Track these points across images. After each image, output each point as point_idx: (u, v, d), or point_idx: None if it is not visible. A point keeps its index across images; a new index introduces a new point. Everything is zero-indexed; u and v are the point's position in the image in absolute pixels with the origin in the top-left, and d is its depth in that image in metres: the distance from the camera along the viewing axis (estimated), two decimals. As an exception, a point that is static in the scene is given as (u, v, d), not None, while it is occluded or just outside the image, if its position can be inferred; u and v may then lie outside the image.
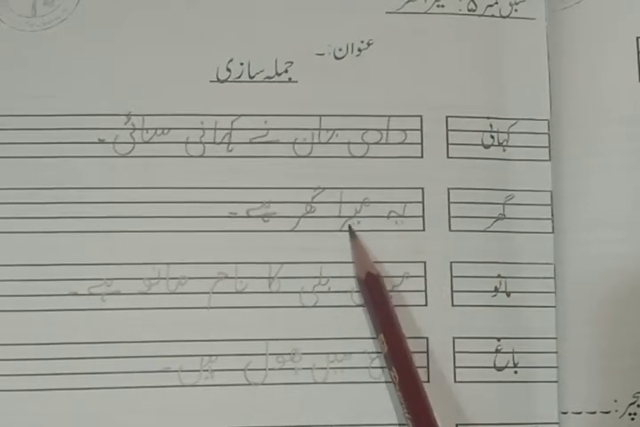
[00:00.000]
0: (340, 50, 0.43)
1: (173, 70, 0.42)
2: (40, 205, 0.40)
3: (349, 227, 0.41)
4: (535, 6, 0.43)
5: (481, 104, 0.42)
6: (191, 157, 0.41)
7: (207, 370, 0.40)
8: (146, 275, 0.40)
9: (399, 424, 0.40)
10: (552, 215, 0.41)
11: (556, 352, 0.40)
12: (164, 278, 0.40)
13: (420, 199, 0.41)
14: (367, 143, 0.42)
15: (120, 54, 0.42)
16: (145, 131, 0.41)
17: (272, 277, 0.41)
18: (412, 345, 0.40)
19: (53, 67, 0.42)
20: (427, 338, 0.40)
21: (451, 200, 0.41)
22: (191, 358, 0.40)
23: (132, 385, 0.39)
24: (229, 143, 0.42)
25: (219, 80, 0.42)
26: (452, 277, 0.41)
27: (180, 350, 0.40)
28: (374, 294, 0.40)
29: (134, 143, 0.41)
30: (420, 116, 0.42)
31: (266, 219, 0.41)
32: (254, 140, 0.42)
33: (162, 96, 0.42)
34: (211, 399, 0.40)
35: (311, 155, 0.42)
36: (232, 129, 0.42)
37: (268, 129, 0.42)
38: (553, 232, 0.41)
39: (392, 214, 0.41)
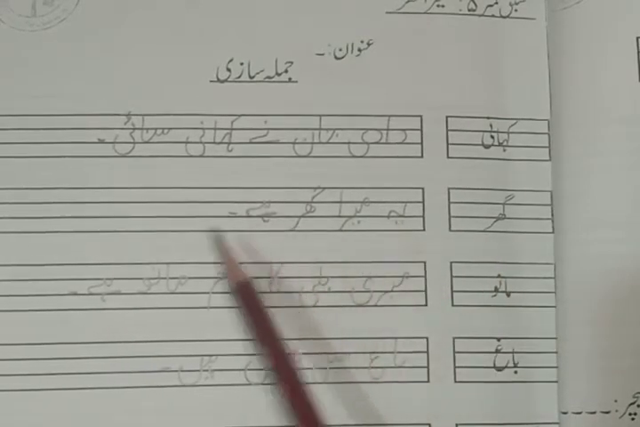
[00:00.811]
0: (340, 50, 0.43)
1: (173, 70, 0.42)
2: (40, 205, 0.40)
3: (216, 235, 0.40)
4: (535, 6, 0.43)
5: (481, 104, 0.42)
6: (191, 156, 0.41)
7: (207, 370, 0.40)
8: (146, 275, 0.40)
9: (399, 424, 0.40)
10: (552, 215, 0.41)
11: (556, 352, 0.40)
12: (164, 278, 0.40)
13: (421, 199, 0.41)
14: (367, 143, 0.42)
15: (120, 54, 0.42)
16: (145, 131, 0.41)
17: (272, 277, 0.41)
18: (412, 345, 0.40)
19: (53, 66, 0.42)
20: (427, 338, 0.40)
21: (451, 200, 0.41)
22: (191, 358, 0.40)
23: (131, 385, 0.39)
24: (229, 143, 0.42)
25: (219, 80, 0.42)
26: (452, 277, 0.41)
27: (179, 350, 0.40)
28: (248, 303, 0.39)
29: (134, 143, 0.41)
30: (420, 116, 0.42)
31: (266, 219, 0.41)
32: (254, 140, 0.42)
33: (162, 96, 0.42)
34: (210, 399, 0.39)
35: (311, 155, 0.42)
36: (232, 129, 0.42)
37: (268, 129, 0.42)
38: (553, 232, 0.41)
39: (392, 214, 0.41)
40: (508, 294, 0.41)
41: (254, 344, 0.39)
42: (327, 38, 0.43)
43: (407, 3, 0.43)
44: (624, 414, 0.39)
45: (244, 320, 0.39)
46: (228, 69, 0.42)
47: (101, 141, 0.41)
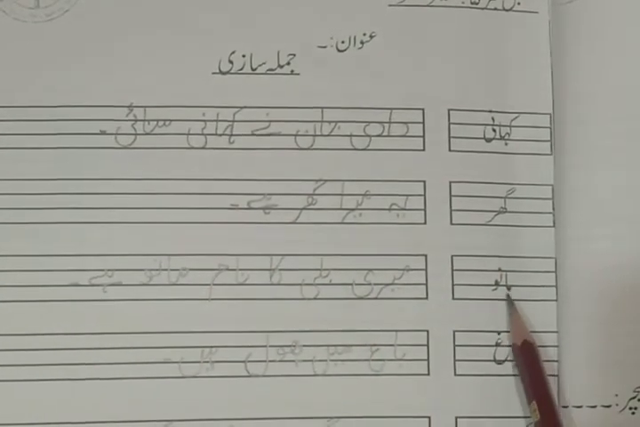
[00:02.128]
0: (343, 42, 0.42)
1: (176, 62, 0.42)
2: (42, 196, 0.40)
3: (508, 296, 0.41)
4: (538, 0, 0.43)
5: (483, 97, 0.42)
6: (193, 148, 0.41)
7: (208, 362, 0.40)
8: (147, 266, 0.40)
9: (399, 416, 0.40)
10: (553, 209, 0.41)
11: (556, 346, 0.40)
12: (165, 270, 0.40)
13: (422, 192, 0.41)
14: (369, 136, 0.42)
15: (122, 45, 0.42)
16: (147, 122, 0.41)
17: (273, 269, 0.41)
18: (413, 338, 0.40)
19: (56, 58, 0.42)
20: (427, 331, 0.40)
21: (452, 193, 0.41)
22: (192, 350, 0.40)
23: (132, 376, 0.39)
24: (231, 135, 0.42)
25: (221, 72, 0.42)
26: (452, 270, 0.41)
27: (180, 342, 0.40)
28: (530, 361, 0.39)
29: (136, 135, 0.41)
30: (422, 109, 0.42)
31: (267, 211, 0.41)
32: (256, 132, 0.42)
33: (164, 88, 0.42)
34: (211, 391, 0.40)
35: (313, 147, 0.42)
36: (234, 121, 0.42)
37: (270, 121, 0.42)
38: (554, 226, 0.41)
39: (393, 207, 0.41)
40: (509, 288, 0.41)
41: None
42: (329, 31, 0.43)
43: (410, -5, 0.43)
44: (624, 408, 0.39)
45: (520, 376, 0.40)
46: (231, 61, 0.42)
47: (103, 133, 0.41)
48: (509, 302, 0.40)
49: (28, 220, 0.40)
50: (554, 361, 0.40)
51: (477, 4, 0.43)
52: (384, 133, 0.42)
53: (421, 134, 0.42)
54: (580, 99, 0.41)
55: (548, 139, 0.42)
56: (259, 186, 0.41)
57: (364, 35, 0.43)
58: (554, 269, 0.41)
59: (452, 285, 0.41)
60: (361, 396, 0.40)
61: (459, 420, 0.40)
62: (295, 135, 0.42)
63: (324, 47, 0.43)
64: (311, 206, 0.41)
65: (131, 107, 0.42)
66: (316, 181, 0.41)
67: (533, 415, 0.38)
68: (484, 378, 0.40)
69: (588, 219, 0.40)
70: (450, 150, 0.42)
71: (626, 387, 0.39)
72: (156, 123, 0.41)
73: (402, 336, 0.40)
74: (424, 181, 0.42)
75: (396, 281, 0.41)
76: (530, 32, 0.43)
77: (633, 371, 0.39)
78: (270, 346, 0.40)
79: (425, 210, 0.41)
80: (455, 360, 0.40)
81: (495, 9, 0.43)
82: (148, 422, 0.39)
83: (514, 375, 0.40)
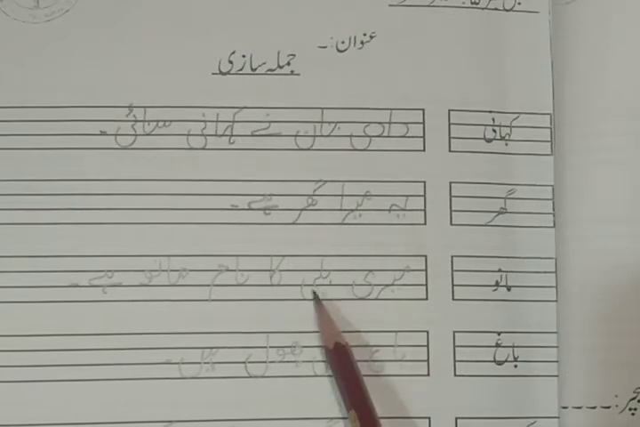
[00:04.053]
0: (343, 42, 0.42)
1: (176, 62, 0.42)
2: (41, 197, 0.40)
3: (314, 293, 0.40)
4: (538, 0, 0.43)
5: (483, 98, 0.42)
6: (193, 149, 0.41)
7: (208, 362, 0.40)
8: (147, 267, 0.40)
9: (399, 417, 0.40)
10: (553, 210, 0.41)
11: (556, 347, 0.40)
12: (165, 271, 0.40)
13: (422, 193, 0.41)
14: (369, 136, 0.42)
15: (122, 46, 0.42)
16: (147, 123, 0.41)
17: (273, 270, 0.41)
18: (413, 339, 0.40)
19: (56, 58, 0.42)
20: (427, 332, 0.40)
21: (452, 194, 0.41)
22: (192, 351, 0.40)
23: (132, 377, 0.39)
24: (231, 136, 0.42)
25: (221, 72, 0.42)
26: (452, 270, 0.41)
27: (180, 343, 0.40)
28: (343, 366, 0.39)
29: (136, 135, 0.41)
30: (423, 110, 0.42)
31: (267, 211, 0.41)
32: (256, 133, 0.42)
33: (164, 88, 0.42)
34: (211, 392, 0.40)
35: (313, 148, 0.42)
36: (234, 121, 0.42)
37: (270, 122, 0.42)
38: (554, 227, 0.41)
39: (393, 208, 0.41)
40: (509, 289, 0.41)
41: (343, 407, 0.39)
42: (330, 31, 0.43)
43: (410, -5, 0.43)
44: (624, 409, 0.39)
45: (335, 381, 0.39)
46: (230, 62, 0.42)
47: (103, 133, 0.41)
48: (316, 300, 0.40)
49: (28, 220, 0.40)
50: (554, 362, 0.40)
51: (477, 4, 0.43)
52: (384, 134, 0.42)
53: (421, 135, 0.42)
54: (580, 99, 0.41)
55: (549, 139, 0.42)
56: (259, 187, 0.41)
57: (364, 35, 0.43)
58: (554, 270, 0.41)
59: (452, 285, 0.41)
60: (361, 396, 0.40)
61: (459, 420, 0.40)
62: (295, 136, 0.42)
63: (325, 47, 0.43)
64: (311, 207, 0.41)
65: (131, 107, 0.42)
66: (316, 181, 0.41)
67: (354, 425, 0.38)
68: (483, 379, 0.40)
69: (588, 219, 0.40)
70: (450, 151, 0.42)
71: (626, 388, 0.39)
72: (155, 123, 0.41)
73: (402, 337, 0.40)
74: (424, 182, 0.42)
75: (396, 282, 0.41)
76: (530, 32, 0.43)
77: (633, 371, 0.39)
78: (270, 347, 0.40)
79: (425, 210, 0.41)
80: (455, 361, 0.40)
81: (495, 9, 0.43)
82: (148, 423, 0.39)
83: (514, 376, 0.40)
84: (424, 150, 0.42)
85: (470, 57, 0.43)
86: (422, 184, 0.42)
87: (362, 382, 0.39)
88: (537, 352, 0.41)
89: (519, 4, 0.43)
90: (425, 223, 0.41)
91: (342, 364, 0.39)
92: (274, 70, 0.42)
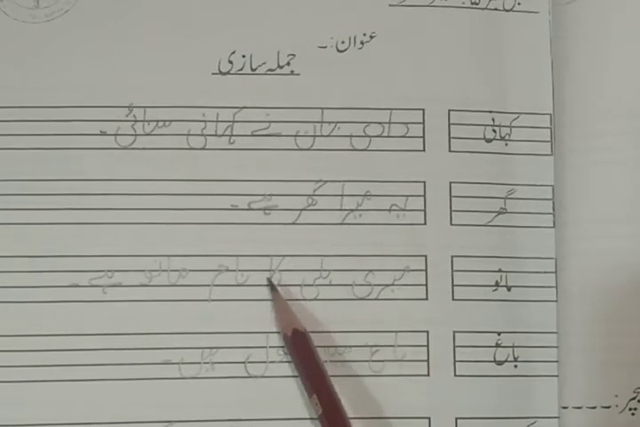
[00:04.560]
0: (343, 42, 0.42)
1: (176, 62, 0.42)
2: (41, 197, 0.40)
3: (269, 280, 0.40)
4: (539, 0, 0.43)
5: (483, 98, 0.42)
6: (193, 149, 0.41)
7: (208, 362, 0.40)
8: (147, 267, 0.40)
9: (399, 417, 0.40)
10: (553, 210, 0.41)
11: (556, 347, 0.40)
12: (165, 271, 0.40)
13: (422, 193, 0.41)
14: (369, 136, 0.42)
15: (122, 46, 0.42)
16: (147, 123, 0.41)
17: (273, 270, 0.41)
18: (413, 339, 0.40)
19: (56, 58, 0.42)
20: (427, 332, 0.40)
21: (452, 194, 0.41)
22: (192, 351, 0.40)
23: (132, 377, 0.39)
24: (231, 135, 0.42)
25: (221, 72, 0.42)
26: (452, 271, 0.41)
27: (180, 343, 0.40)
28: (303, 352, 0.39)
29: (136, 135, 0.41)
30: (423, 110, 0.42)
31: (267, 211, 0.41)
32: (256, 133, 0.42)
33: (164, 88, 0.42)
34: (211, 392, 0.40)
35: (313, 148, 0.42)
36: (234, 121, 0.42)
37: (270, 122, 0.42)
38: (554, 227, 0.41)
39: (393, 208, 0.41)
40: (509, 289, 0.41)
41: (305, 392, 0.39)
42: (329, 31, 0.43)
43: (410, -5, 0.43)
44: (624, 409, 0.39)
45: (295, 368, 0.39)
46: (230, 62, 0.42)
47: (103, 133, 0.41)
48: (272, 287, 0.40)
49: (27, 220, 0.40)
50: (554, 362, 0.40)
51: (477, 4, 0.43)
52: (384, 134, 0.42)
53: (421, 135, 0.42)
54: (580, 99, 0.41)
55: (549, 139, 0.42)
56: (259, 187, 0.41)
57: (364, 35, 0.43)
58: (554, 270, 0.41)
59: (452, 285, 0.41)
60: (361, 397, 0.40)
61: (459, 421, 0.40)
62: (295, 136, 0.42)
63: (324, 47, 0.42)
64: (311, 207, 0.41)
65: (131, 107, 0.42)
66: (316, 181, 0.41)
67: (316, 409, 0.38)
68: (484, 379, 0.40)
69: (588, 219, 0.40)
70: (450, 151, 0.42)
71: (626, 388, 0.39)
72: (155, 123, 0.41)
73: (402, 337, 0.40)
74: (424, 182, 0.42)
75: (396, 282, 0.41)
76: (530, 32, 0.43)
77: (633, 371, 0.39)
78: (270, 347, 0.40)
79: (425, 211, 0.41)
80: (455, 361, 0.40)
81: (495, 9, 0.43)
82: (148, 424, 0.39)
83: (514, 376, 0.40)
84: (424, 150, 0.42)
85: (470, 57, 0.43)
86: (422, 184, 0.42)
87: (322, 368, 0.39)
88: (537, 352, 0.41)
89: (519, 4, 0.43)
90: (425, 223, 0.41)
91: (301, 350, 0.39)
92: (274, 70, 0.42)
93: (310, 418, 0.39)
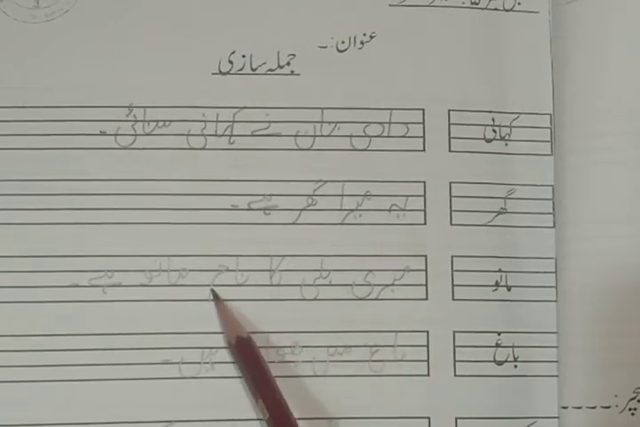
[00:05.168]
0: (343, 42, 0.42)
1: (176, 62, 0.42)
2: (41, 197, 0.40)
3: (212, 291, 0.40)
4: (538, 0, 0.43)
5: (483, 98, 0.42)
6: (193, 149, 0.41)
7: (208, 362, 0.40)
8: (147, 267, 0.40)
9: (399, 417, 0.40)
10: (553, 210, 0.41)
11: (556, 347, 0.40)
12: (165, 271, 0.40)
13: (422, 193, 0.41)
14: (369, 136, 0.42)
15: (122, 46, 0.42)
16: (146, 123, 0.41)
17: (273, 270, 0.41)
18: (413, 339, 0.40)
19: (56, 58, 0.42)
20: (427, 332, 0.40)
21: (452, 194, 0.41)
22: (192, 351, 0.40)
23: (132, 377, 0.39)
24: (231, 135, 0.42)
25: (221, 72, 0.42)
26: (452, 271, 0.41)
27: (180, 343, 0.40)
28: (248, 358, 0.39)
29: (136, 135, 0.41)
30: (423, 110, 0.42)
31: (267, 212, 0.41)
32: (256, 133, 0.42)
33: (164, 88, 0.42)
34: (211, 392, 0.40)
35: (313, 148, 0.42)
36: (234, 121, 0.42)
37: (270, 122, 0.42)
38: (554, 227, 0.41)
39: (393, 208, 0.41)
40: (509, 289, 0.41)
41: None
42: (330, 31, 0.43)
43: (410, -5, 0.43)
44: (624, 409, 0.39)
45: (242, 374, 0.39)
46: (230, 62, 0.42)
47: (103, 133, 0.41)
48: (215, 296, 0.40)
49: (27, 220, 0.40)
50: (554, 362, 0.40)
51: (477, 4, 0.43)
52: (384, 134, 0.42)
53: (421, 135, 0.42)
54: (580, 99, 0.41)
55: (549, 139, 0.42)
56: (259, 187, 0.41)
57: (364, 35, 0.43)
58: (554, 270, 0.41)
59: (452, 285, 0.41)
60: (361, 397, 0.40)
61: (459, 421, 0.40)
62: (295, 136, 0.42)
63: (325, 47, 0.42)
64: (311, 207, 0.41)
65: (131, 107, 0.42)
66: (316, 181, 0.41)
67: (262, 414, 0.38)
68: (484, 379, 0.40)
69: (588, 219, 0.40)
70: (450, 151, 0.42)
71: (625, 388, 0.39)
72: (155, 123, 0.41)
73: (402, 337, 0.40)
74: (424, 182, 0.42)
75: (396, 282, 0.41)
76: (530, 32, 0.43)
77: (633, 371, 0.39)
78: (270, 347, 0.40)
79: (425, 211, 0.41)
80: (455, 361, 0.40)
81: (495, 9, 0.43)
82: (148, 423, 0.39)
83: (514, 376, 0.40)
84: (424, 150, 0.42)
85: (470, 57, 0.43)
86: (422, 184, 0.42)
87: (268, 373, 0.39)
88: (537, 352, 0.41)
89: (519, 4, 0.43)
90: (425, 223, 0.41)
91: (246, 356, 0.39)
92: (274, 70, 0.42)
93: (311, 418, 0.39)
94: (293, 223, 0.41)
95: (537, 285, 0.41)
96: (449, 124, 0.42)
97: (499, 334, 0.41)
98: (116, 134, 0.41)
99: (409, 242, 0.41)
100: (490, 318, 0.41)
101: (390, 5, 0.43)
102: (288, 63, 0.42)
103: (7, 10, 0.42)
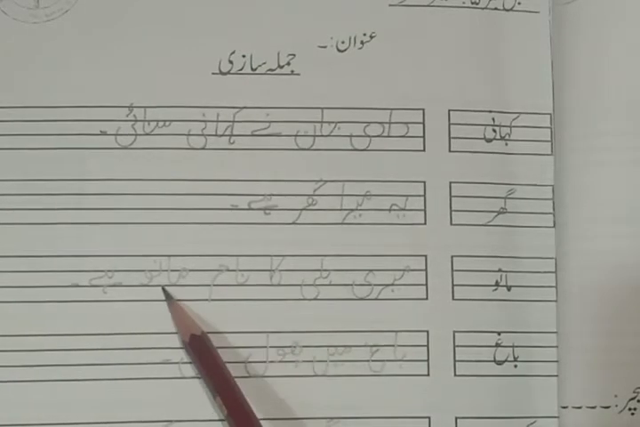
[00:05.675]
0: (343, 42, 0.42)
1: (176, 62, 0.42)
2: (41, 197, 0.40)
3: (163, 289, 0.40)
4: (538, 0, 0.43)
5: (483, 98, 0.42)
6: (193, 149, 0.41)
7: (208, 362, 0.40)
8: (147, 267, 0.40)
9: (399, 417, 0.40)
10: (553, 210, 0.41)
11: (556, 346, 0.41)
12: (166, 270, 0.40)
13: (422, 193, 0.41)
14: (369, 136, 0.42)
15: (122, 46, 0.42)
16: (147, 123, 0.41)
17: (273, 270, 0.41)
18: (413, 339, 0.40)
19: (56, 58, 0.42)
20: (427, 331, 0.40)
21: (452, 194, 0.41)
22: (192, 351, 0.40)
23: (132, 377, 0.39)
24: (231, 135, 0.42)
25: (221, 72, 0.42)
26: (452, 270, 0.41)
27: (180, 343, 0.40)
28: (203, 355, 0.39)
29: (136, 135, 0.41)
30: (423, 110, 0.42)
31: (267, 211, 0.41)
32: (256, 133, 0.42)
33: (164, 88, 0.42)
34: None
35: (313, 147, 0.42)
36: (234, 121, 0.42)
37: (270, 121, 0.42)
38: (554, 226, 0.41)
39: (394, 208, 0.41)
40: (509, 288, 0.41)
41: (210, 395, 0.39)
42: (330, 31, 0.43)
43: (410, -5, 0.43)
44: (624, 409, 0.39)
45: (198, 372, 0.39)
46: (231, 62, 0.42)
47: (103, 133, 0.41)
48: (167, 296, 0.40)
49: (28, 220, 0.40)
50: (553, 361, 0.40)
51: (477, 4, 0.43)
52: (384, 134, 0.42)
53: (421, 135, 0.42)
54: (580, 99, 0.41)
55: (549, 139, 0.42)
56: (259, 186, 0.41)
57: (364, 35, 0.43)
58: (554, 270, 0.41)
59: (452, 285, 0.41)
60: (361, 396, 0.40)
61: (459, 420, 0.40)
62: (295, 136, 0.42)
63: (325, 47, 0.42)
64: (311, 207, 0.41)
65: (131, 107, 0.42)
66: (317, 181, 0.41)
67: (221, 410, 0.38)
68: (484, 379, 0.40)
69: (588, 219, 0.40)
70: (450, 151, 0.42)
71: (625, 388, 0.39)
72: (156, 123, 0.41)
73: (402, 337, 0.40)
74: (424, 182, 0.42)
75: (396, 282, 0.41)
76: (530, 32, 0.43)
77: (633, 371, 0.39)
78: (270, 347, 0.40)
79: (425, 210, 0.41)
80: (455, 361, 0.40)
81: (495, 9, 0.43)
82: (148, 423, 0.39)
83: (514, 376, 0.40)
84: (424, 150, 0.42)
85: (470, 57, 0.43)
86: (422, 184, 0.42)
87: (224, 368, 0.39)
88: (537, 352, 0.41)
89: (519, 3, 0.43)
90: (425, 223, 0.41)
91: (201, 353, 0.39)
92: (274, 70, 0.42)
93: (310, 418, 0.39)
94: (293, 223, 0.41)
95: (537, 285, 0.41)
96: (449, 124, 0.42)
97: (499, 333, 0.41)
98: (116, 134, 0.41)
99: (409, 242, 0.41)
100: (490, 317, 0.41)
101: (390, 5, 0.43)
102: (288, 63, 0.42)
103: (7, 10, 0.42)
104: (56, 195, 0.41)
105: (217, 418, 0.39)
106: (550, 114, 0.42)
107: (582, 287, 0.40)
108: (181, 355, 0.40)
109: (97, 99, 0.41)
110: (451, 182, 0.42)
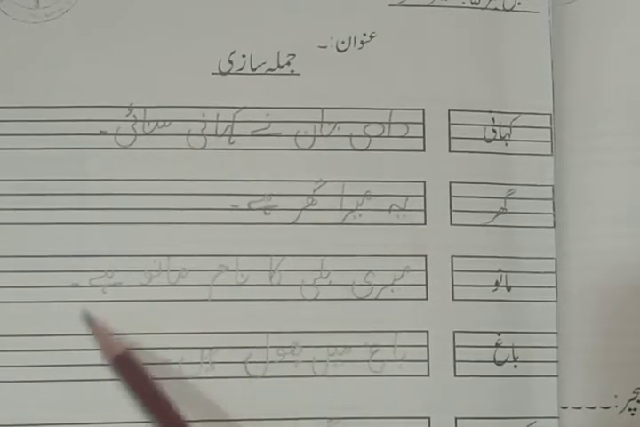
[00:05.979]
0: (343, 42, 0.42)
1: (176, 62, 0.42)
2: (41, 197, 0.40)
3: (84, 312, 0.39)
4: (538, 0, 0.43)
5: (483, 98, 0.42)
6: (193, 149, 0.41)
7: (208, 362, 0.40)
8: (147, 267, 0.40)
9: (398, 417, 0.40)
10: (553, 210, 0.41)
11: (556, 347, 0.40)
12: (165, 271, 0.40)
13: (422, 193, 0.41)
14: (369, 136, 0.42)
15: (122, 46, 0.42)
16: (147, 123, 0.41)
17: (273, 270, 0.41)
18: (413, 339, 0.40)
19: (56, 58, 0.42)
20: (427, 332, 0.40)
21: (452, 194, 0.41)
22: (192, 351, 0.40)
23: (132, 377, 0.39)
24: (231, 135, 0.42)
25: (221, 72, 0.42)
26: (452, 271, 0.41)
27: (180, 342, 0.40)
28: (128, 372, 0.39)
29: (136, 135, 0.41)
30: (423, 110, 0.42)
31: (267, 211, 0.41)
32: (256, 133, 0.42)
33: (164, 88, 0.42)
34: (211, 392, 0.40)
35: (313, 147, 0.42)
36: (234, 121, 0.42)
37: (270, 122, 0.42)
38: (554, 227, 0.41)
39: (394, 208, 0.41)
40: (509, 289, 0.41)
41: (142, 411, 0.38)
42: (330, 31, 0.42)
43: (410, -5, 0.43)
44: (624, 409, 0.39)
45: (127, 390, 0.39)
46: (230, 62, 0.42)
47: (103, 133, 0.41)
48: (88, 319, 0.39)
49: (27, 220, 0.40)
50: (553, 362, 0.40)
51: (477, 4, 0.43)
52: (384, 134, 0.42)
53: (421, 135, 0.42)
54: (580, 99, 0.41)
55: (549, 139, 0.42)
56: (259, 187, 0.41)
57: (364, 35, 0.43)
58: (554, 270, 0.41)
59: (452, 285, 0.41)
60: (361, 397, 0.40)
61: (458, 421, 0.40)
62: (295, 136, 0.42)
63: (325, 47, 0.42)
64: (311, 207, 0.41)
65: (131, 107, 0.42)
66: (316, 181, 0.41)
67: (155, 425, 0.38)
68: (484, 379, 0.40)
69: (588, 219, 0.40)
70: (450, 151, 0.42)
71: (625, 388, 0.39)
72: (155, 123, 0.41)
73: (402, 337, 0.40)
74: (424, 182, 0.42)
75: (395, 282, 0.41)
76: (530, 32, 0.43)
77: (633, 372, 0.39)
78: (270, 347, 0.40)
79: (425, 211, 0.41)
80: (455, 361, 0.40)
81: (495, 9, 0.43)
82: (148, 423, 0.39)
83: (514, 376, 0.40)
84: (424, 150, 0.42)
85: (470, 57, 0.43)
86: (422, 184, 0.42)
87: (153, 384, 0.38)
88: (537, 352, 0.41)
89: (519, 3, 0.43)
90: (425, 223, 0.41)
91: (126, 371, 0.39)
92: (274, 70, 0.42)
93: (310, 418, 0.39)
94: (293, 223, 0.41)
95: (537, 285, 0.41)
96: (449, 124, 0.42)
97: (499, 334, 0.41)
98: (116, 134, 0.41)
99: (409, 242, 0.41)
100: (490, 318, 0.41)
101: (390, 5, 0.43)
102: (288, 63, 0.42)
103: (7, 10, 0.42)
104: (56, 195, 0.41)
105: (217, 418, 0.39)
106: (550, 114, 0.42)
107: (582, 287, 0.40)
108: (181, 355, 0.40)
109: (97, 99, 0.41)
110: (451, 182, 0.41)
